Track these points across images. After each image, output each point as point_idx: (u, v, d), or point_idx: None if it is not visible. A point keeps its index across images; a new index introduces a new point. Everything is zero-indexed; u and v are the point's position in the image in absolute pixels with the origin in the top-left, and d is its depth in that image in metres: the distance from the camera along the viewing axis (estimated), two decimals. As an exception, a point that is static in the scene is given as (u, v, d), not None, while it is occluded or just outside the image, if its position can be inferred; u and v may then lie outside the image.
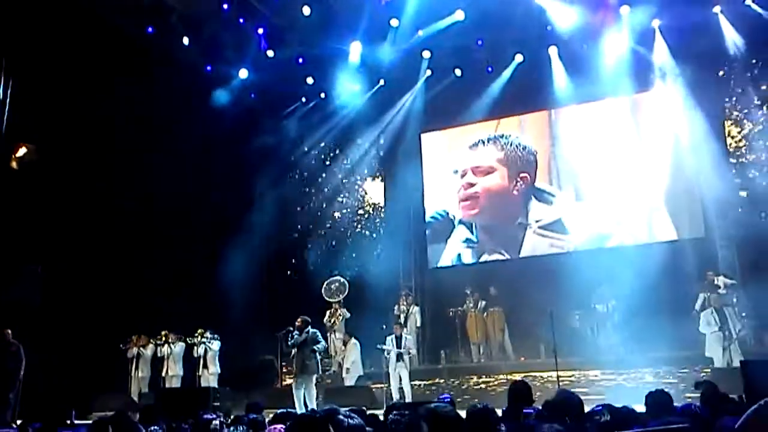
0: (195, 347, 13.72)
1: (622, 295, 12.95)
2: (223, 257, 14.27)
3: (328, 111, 16.59)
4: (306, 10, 14.24)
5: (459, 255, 15.94)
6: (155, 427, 5.18)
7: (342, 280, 14.64)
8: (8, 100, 12.66)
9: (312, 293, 14.69)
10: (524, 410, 4.88)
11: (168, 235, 14.77)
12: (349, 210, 17.12)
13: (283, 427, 3.91)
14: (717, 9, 13.77)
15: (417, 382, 13.15)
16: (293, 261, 16.07)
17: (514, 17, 14.00)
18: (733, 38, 13.70)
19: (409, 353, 12.91)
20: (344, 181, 17.10)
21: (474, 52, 15.33)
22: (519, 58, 15.31)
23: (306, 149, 17.00)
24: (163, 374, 13.93)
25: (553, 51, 15.10)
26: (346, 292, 14.56)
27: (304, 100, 16.93)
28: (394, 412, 3.98)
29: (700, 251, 13.65)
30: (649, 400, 4.89)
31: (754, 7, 13.44)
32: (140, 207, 14.61)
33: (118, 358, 14.02)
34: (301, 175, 17.06)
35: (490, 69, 15.64)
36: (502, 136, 15.90)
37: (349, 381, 13.26)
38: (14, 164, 13.39)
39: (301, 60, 15.74)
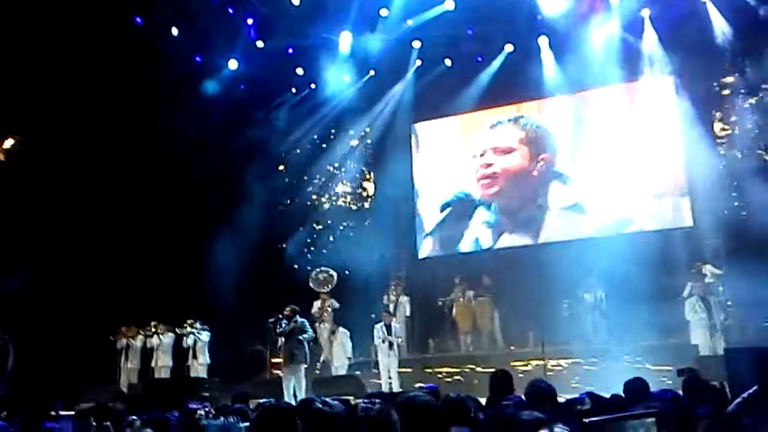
0: (184, 338, 13.75)
1: (610, 284, 13.04)
2: (212, 248, 14.26)
3: (318, 102, 16.54)
4: (296, 0, 14.18)
5: (477, 239, 15.72)
6: (134, 417, 5.19)
7: (330, 270, 14.62)
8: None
9: (301, 284, 14.68)
10: (505, 399, 4.91)
11: (157, 225, 14.75)
12: (338, 200, 17.12)
13: None
14: (706, -2, 13.83)
15: (406, 371, 13.20)
16: (282, 251, 16.05)
17: (504, 7, 13.97)
18: (721, 27, 13.70)
19: (399, 341, 12.95)
20: (334, 171, 17.09)
21: (464, 42, 15.30)
22: (509, 47, 15.30)
23: (295, 140, 16.95)
24: (153, 365, 13.97)
25: (543, 41, 15.08)
26: (334, 283, 14.54)
27: (294, 91, 16.87)
28: (364, 399, 4.01)
29: (687, 241, 13.70)
30: (627, 387, 4.98)
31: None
32: (129, 197, 14.57)
33: (107, 349, 14.02)
34: (291, 166, 17.02)
35: (480, 59, 15.63)
36: (521, 117, 15.77)
37: (339, 371, 13.29)
38: (1, 156, 13.34)
39: (290, 50, 15.69)
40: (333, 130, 16.89)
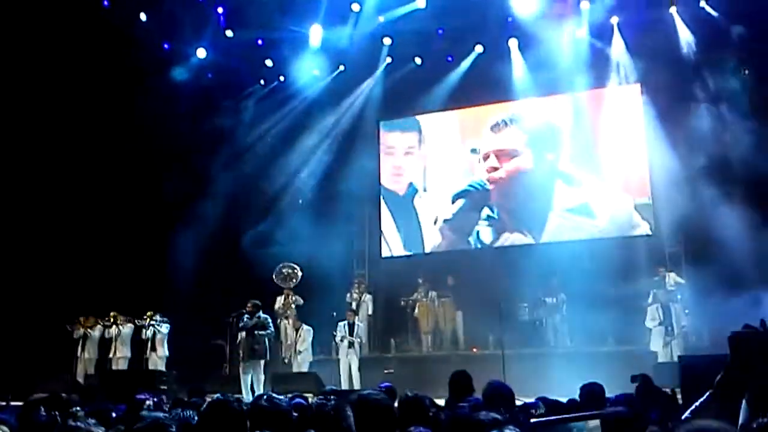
0: (143, 329, 13.57)
1: (571, 289, 13.15)
2: (174, 239, 14.10)
3: (287, 95, 16.41)
4: (267, -9, 14.09)
5: (477, 232, 15.59)
6: (77, 407, 5.09)
7: (294, 265, 14.52)
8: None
9: (264, 278, 14.56)
10: (463, 400, 4.91)
11: (118, 214, 14.54)
12: (303, 195, 17.00)
13: None
14: (673, 9, 14.02)
15: (366, 370, 13.18)
16: (246, 245, 15.91)
17: (475, 7, 14.00)
18: (686, 38, 13.94)
19: (360, 341, 12.93)
20: (300, 166, 16.96)
21: (434, 41, 15.30)
22: (479, 48, 15.36)
23: (262, 132, 16.79)
24: (111, 356, 13.76)
25: (513, 43, 15.16)
26: (298, 278, 14.44)
27: (262, 82, 16.75)
28: (320, 396, 3.98)
29: (648, 248, 13.89)
30: (583, 391, 5.01)
31: (708, 9, 13.74)
32: (89, 184, 14.34)
33: (64, 339, 13.77)
34: (256, 158, 16.85)
35: (450, 58, 15.66)
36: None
37: (301, 367, 13.21)
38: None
39: (260, 42, 15.55)
40: (300, 124, 16.75)
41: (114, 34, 13.98)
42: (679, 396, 6.53)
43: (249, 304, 11.59)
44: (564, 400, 5.28)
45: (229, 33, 15.22)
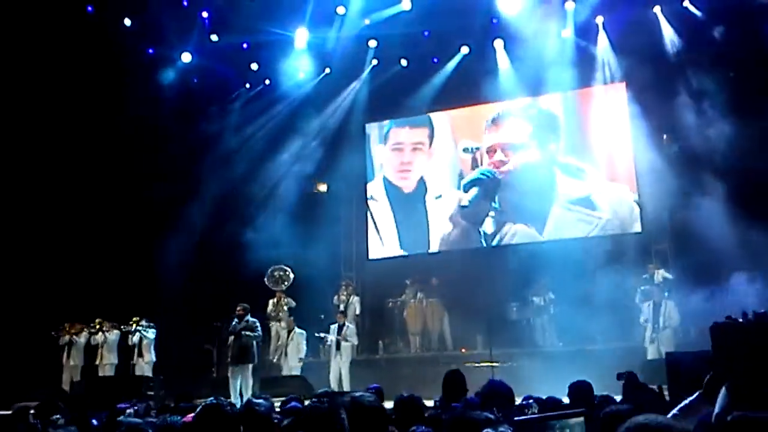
0: (130, 335, 13.48)
1: (559, 287, 13.18)
2: (161, 244, 14.00)
3: (273, 98, 16.36)
4: (251, -6, 14.05)
5: (478, 229, 15.39)
6: (58, 415, 5.06)
7: (285, 268, 14.49)
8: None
9: (252, 282, 14.50)
10: (457, 400, 4.91)
11: (104, 219, 14.45)
12: (291, 198, 16.94)
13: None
14: (657, 9, 14.12)
15: (355, 372, 13.15)
16: (233, 249, 15.84)
17: (460, 9, 14.01)
18: (671, 37, 14.04)
19: (347, 341, 12.89)
20: (287, 169, 16.90)
21: (420, 43, 15.30)
22: (465, 49, 15.39)
23: (248, 135, 16.74)
24: (97, 362, 13.67)
25: (498, 44, 15.20)
26: (290, 281, 14.40)
27: (248, 86, 16.70)
28: (313, 399, 3.97)
29: (636, 246, 13.94)
30: (571, 389, 5.04)
31: (691, 8, 13.86)
32: (76, 190, 14.24)
33: (49, 346, 13.65)
34: (243, 162, 16.79)
35: (435, 60, 15.69)
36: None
37: (293, 371, 13.15)
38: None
39: (245, 45, 15.51)
40: (286, 127, 16.70)
41: (98, 40, 13.89)
42: (666, 393, 6.57)
43: (238, 308, 11.55)
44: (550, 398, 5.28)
45: (214, 37, 15.17)
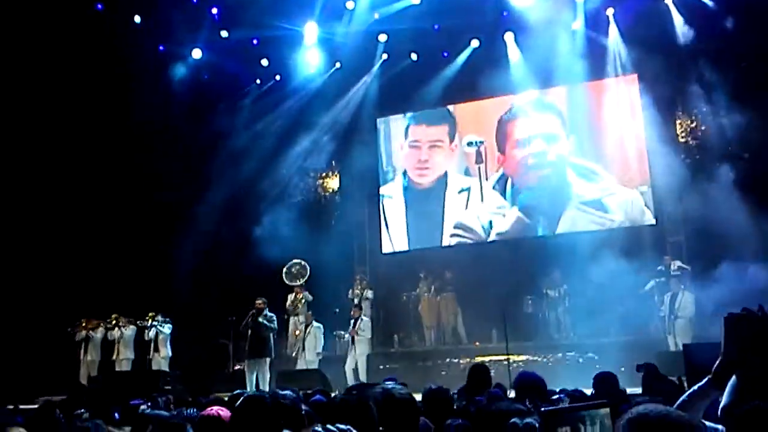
0: (146, 330, 13.56)
1: (574, 280, 13.16)
2: (175, 240, 14.08)
3: (283, 94, 16.35)
4: (261, -10, 14.06)
5: (490, 222, 15.42)
6: (82, 410, 5.12)
7: (303, 263, 14.56)
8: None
9: (266, 277, 14.56)
10: (480, 393, 4.94)
11: (119, 216, 14.52)
12: (303, 194, 17.00)
13: (220, 408, 3.92)
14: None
15: (371, 366, 13.20)
16: (247, 244, 15.90)
17: (471, 2, 14.00)
18: (682, 28, 13.96)
19: (358, 335, 12.91)
20: (298, 164, 16.95)
21: (430, 37, 15.27)
22: (475, 43, 15.36)
23: (260, 131, 16.77)
24: (114, 358, 13.76)
25: (509, 37, 15.17)
26: (307, 275, 14.46)
27: (258, 82, 16.72)
28: (344, 392, 4.00)
29: (650, 238, 13.92)
30: (597, 381, 5.04)
31: (703, -2, 13.80)
32: (91, 187, 14.32)
33: (66, 341, 13.76)
34: (255, 158, 16.83)
35: (446, 54, 15.66)
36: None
37: (310, 365, 13.19)
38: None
39: (255, 41, 15.53)
40: (297, 122, 16.73)
41: (109, 37, 13.94)
42: (685, 384, 6.57)
43: (258, 301, 11.64)
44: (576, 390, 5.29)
45: (224, 33, 15.19)
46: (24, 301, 13.09)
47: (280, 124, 16.68)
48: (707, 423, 2.21)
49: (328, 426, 2.35)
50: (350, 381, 12.14)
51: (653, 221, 14.16)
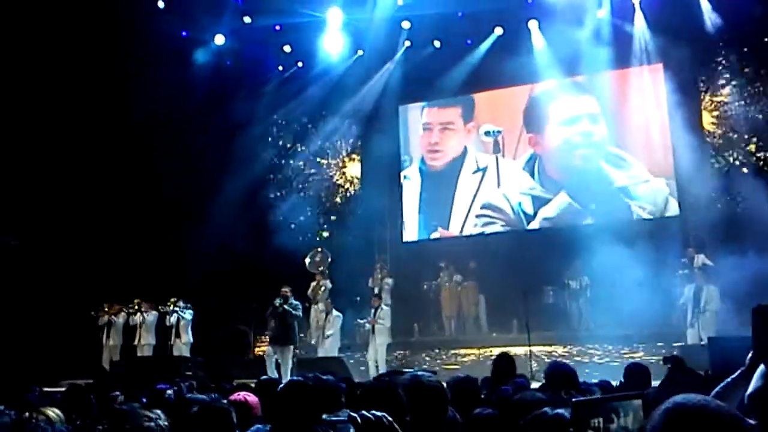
0: (167, 316, 13.63)
1: (596, 271, 13.03)
2: (197, 227, 14.12)
3: (306, 80, 16.31)
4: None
5: (519, 203, 15.43)
6: (117, 393, 5.14)
7: (325, 250, 14.59)
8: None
9: (286, 264, 14.58)
10: (505, 382, 4.90)
11: (141, 202, 14.59)
12: (324, 181, 17.00)
13: (247, 394, 3.92)
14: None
15: (390, 355, 13.19)
16: (268, 231, 15.94)
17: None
18: (709, 14, 13.73)
19: (379, 323, 12.88)
20: (320, 151, 16.95)
21: (453, 24, 15.14)
22: (499, 30, 15.22)
23: (282, 118, 16.78)
24: (135, 343, 13.85)
25: (533, 24, 15.01)
26: (328, 263, 14.48)
27: (281, 68, 16.69)
28: (373, 380, 3.98)
29: (674, 229, 13.75)
30: (628, 371, 4.97)
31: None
32: (113, 174, 14.39)
33: (89, 326, 13.87)
34: (277, 145, 16.86)
35: (469, 41, 15.54)
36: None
37: (329, 352, 13.19)
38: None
39: (278, 27, 15.49)
40: (320, 109, 16.70)
41: (133, 23, 13.96)
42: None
43: (284, 289, 11.68)
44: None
45: (246, 19, 15.16)
46: (48, 285, 13.19)
47: (302, 111, 16.69)
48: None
49: (363, 412, 2.33)
50: (371, 371, 12.11)
51: (677, 212, 13.99)
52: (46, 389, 7.77)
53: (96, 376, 8.09)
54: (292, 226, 16.24)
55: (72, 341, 13.26)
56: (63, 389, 6.35)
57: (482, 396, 3.81)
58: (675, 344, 11.55)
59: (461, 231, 15.87)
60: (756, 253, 11.04)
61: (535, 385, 5.42)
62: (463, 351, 13.42)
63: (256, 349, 14.51)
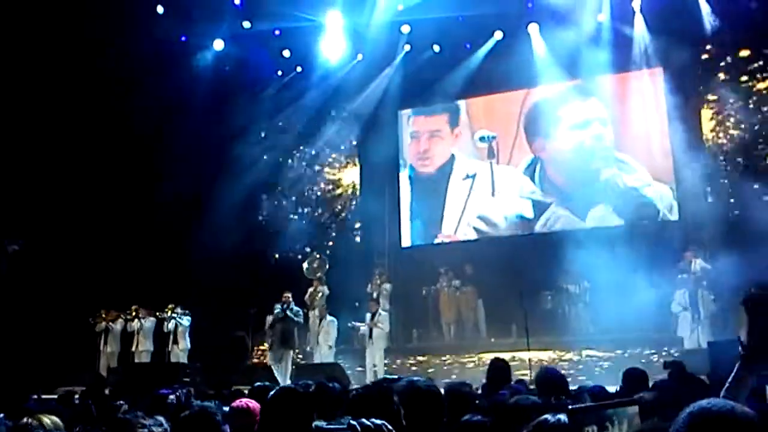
0: (165, 323, 13.59)
1: (595, 276, 12.99)
2: (195, 233, 14.09)
3: (305, 85, 16.32)
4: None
5: (517, 214, 15.37)
6: (121, 402, 5.10)
7: (322, 256, 14.58)
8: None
9: (284, 270, 14.56)
10: (501, 388, 4.86)
11: (139, 208, 14.55)
12: (324, 186, 16.97)
13: (249, 400, 3.88)
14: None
15: (389, 361, 13.15)
16: (265, 237, 15.91)
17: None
18: (709, 18, 13.72)
19: (378, 327, 12.83)
20: (319, 157, 16.93)
21: (453, 28, 15.12)
22: (498, 35, 15.21)
23: (281, 123, 16.76)
24: (133, 349, 13.80)
25: (533, 28, 15.00)
26: (325, 269, 14.45)
27: (280, 73, 16.69)
28: (366, 385, 3.94)
29: (673, 233, 13.69)
30: (626, 376, 4.93)
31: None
32: (110, 179, 14.37)
33: (87, 332, 13.83)
34: (275, 150, 16.82)
35: (468, 45, 15.52)
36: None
37: (325, 358, 13.15)
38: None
39: (277, 32, 15.49)
40: (318, 115, 16.69)
41: (132, 28, 13.94)
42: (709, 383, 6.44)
43: (286, 294, 11.69)
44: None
45: (246, 24, 15.17)
46: (45, 292, 13.15)
47: (301, 115, 16.68)
48: None
49: (363, 420, 2.29)
50: (369, 377, 12.07)
51: (677, 216, 13.96)
52: (44, 396, 7.73)
53: (89, 382, 8.01)
54: (291, 231, 16.22)
55: (69, 348, 13.22)
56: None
57: (477, 402, 3.76)
58: (675, 349, 11.51)
59: (454, 237, 15.84)
60: (755, 258, 11.00)
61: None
62: (462, 356, 13.37)
63: (254, 356, 14.44)
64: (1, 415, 4.00)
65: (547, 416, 2.99)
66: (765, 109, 13.63)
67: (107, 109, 14.06)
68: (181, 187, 14.60)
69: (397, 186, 16.49)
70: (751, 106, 13.71)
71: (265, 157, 16.57)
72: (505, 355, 11.68)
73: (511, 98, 15.77)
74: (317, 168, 16.99)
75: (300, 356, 13.73)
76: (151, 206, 14.59)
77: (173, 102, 14.51)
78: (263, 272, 15.02)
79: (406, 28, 15.37)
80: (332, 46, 15.61)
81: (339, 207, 16.85)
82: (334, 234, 16.38)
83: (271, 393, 3.04)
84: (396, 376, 3.59)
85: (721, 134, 14.00)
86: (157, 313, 13.76)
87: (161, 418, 3.41)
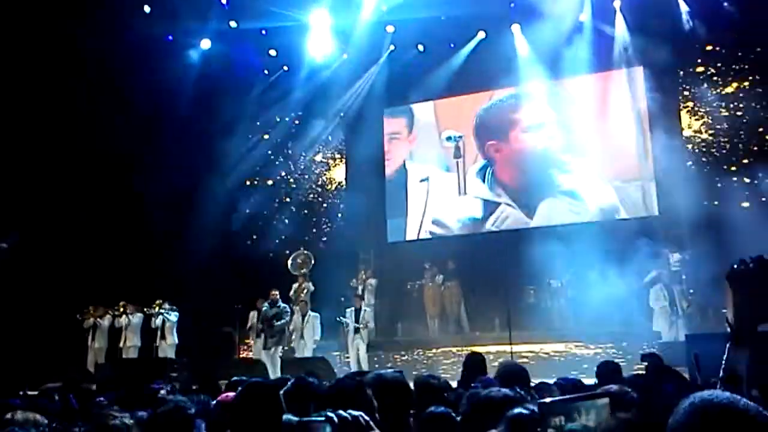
0: (153, 318, 13.68)
1: (575, 271, 13.22)
2: (183, 228, 14.20)
3: (291, 84, 16.42)
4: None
5: (469, 216, 15.70)
6: (101, 398, 5.21)
7: (307, 253, 14.70)
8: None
9: (271, 266, 14.68)
10: (476, 380, 4.98)
11: (127, 204, 14.62)
12: (309, 184, 17.10)
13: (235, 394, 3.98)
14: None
15: (374, 355, 13.30)
16: (253, 234, 16.03)
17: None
18: (688, 19, 13.94)
19: (366, 326, 13.01)
20: (306, 155, 17.05)
21: (437, 28, 15.27)
22: (481, 34, 15.38)
23: (267, 121, 16.86)
24: (121, 345, 13.88)
25: (516, 28, 15.17)
26: (311, 266, 14.58)
27: (266, 72, 16.78)
28: (346, 377, 4.07)
29: (652, 229, 13.90)
30: (599, 370, 5.07)
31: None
32: (96, 175, 14.42)
33: (74, 328, 13.90)
34: (262, 147, 16.92)
35: (452, 45, 15.67)
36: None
37: (304, 352, 13.29)
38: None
39: (264, 32, 15.58)
40: (304, 113, 16.82)
41: (118, 27, 14.00)
42: (686, 375, 6.62)
43: (273, 293, 11.83)
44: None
45: (232, 23, 15.25)
46: (32, 288, 13.20)
47: (287, 114, 16.79)
48: None
49: (340, 411, 2.40)
50: (353, 370, 12.22)
51: (656, 213, 14.18)
52: (30, 393, 7.83)
53: (68, 376, 8.07)
54: (277, 227, 16.35)
55: (57, 344, 13.29)
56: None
57: (445, 395, 3.89)
58: (654, 342, 11.73)
59: (417, 238, 16.17)
60: (732, 253, 11.21)
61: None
62: (446, 350, 13.55)
63: (241, 351, 14.57)
64: None
65: (521, 410, 3.16)
66: (743, 106, 13.87)
67: (94, 108, 14.09)
68: (167, 184, 14.68)
69: (382, 183, 16.65)
70: (731, 104, 13.95)
71: (251, 155, 16.68)
72: (489, 349, 12.01)
73: (478, 99, 15.97)
74: (303, 165, 17.12)
75: (284, 351, 13.85)
76: (138, 203, 14.65)
77: (161, 101, 14.58)
78: (249, 268, 15.13)
79: (390, 28, 15.49)
80: (318, 45, 15.73)
81: (325, 204, 16.99)
82: (319, 230, 16.53)
83: (240, 389, 3.12)
84: (366, 370, 3.71)
85: (701, 132, 14.23)
86: (145, 309, 13.84)
87: (143, 414, 3.51)
